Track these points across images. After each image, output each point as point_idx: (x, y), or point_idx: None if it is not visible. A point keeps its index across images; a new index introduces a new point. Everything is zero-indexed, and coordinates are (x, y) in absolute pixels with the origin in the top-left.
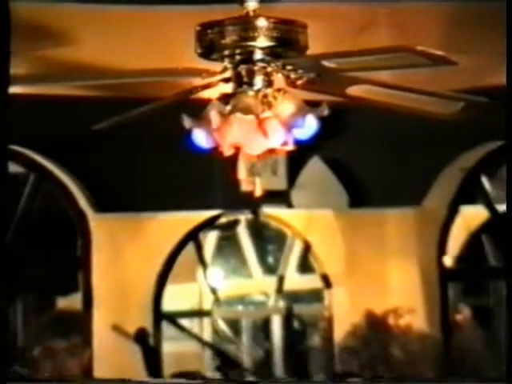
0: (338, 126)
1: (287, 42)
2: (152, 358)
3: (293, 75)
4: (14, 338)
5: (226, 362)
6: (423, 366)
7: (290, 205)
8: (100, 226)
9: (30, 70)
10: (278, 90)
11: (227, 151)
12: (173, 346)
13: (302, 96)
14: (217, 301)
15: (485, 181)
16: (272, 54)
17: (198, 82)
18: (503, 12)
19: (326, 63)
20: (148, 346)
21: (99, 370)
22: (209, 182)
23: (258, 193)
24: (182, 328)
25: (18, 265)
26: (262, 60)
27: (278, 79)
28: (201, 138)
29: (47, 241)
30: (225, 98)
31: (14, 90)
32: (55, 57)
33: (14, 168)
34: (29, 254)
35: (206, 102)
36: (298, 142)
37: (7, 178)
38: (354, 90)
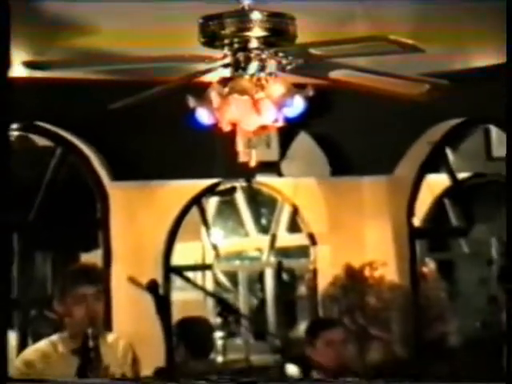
0: (322, 106)
1: (278, 32)
2: (162, 306)
3: (283, 61)
4: (45, 287)
5: (225, 309)
6: (394, 311)
7: (280, 174)
8: (116, 193)
9: (57, 57)
10: (270, 74)
11: (226, 127)
12: (180, 295)
13: (291, 79)
14: (217, 256)
15: (448, 152)
16: (265, 42)
17: (200, 67)
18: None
19: (312, 51)
20: (158, 295)
21: (117, 316)
22: (210, 154)
23: (253, 163)
24: (187, 280)
25: (46, 226)
26: (256, 48)
27: (270, 65)
28: (203, 115)
29: (71, 205)
30: (224, 81)
31: (44, 74)
32: (77, 45)
33: (42, 142)
34: (55, 217)
35: (207, 85)
36: (287, 119)
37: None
38: (336, 74)
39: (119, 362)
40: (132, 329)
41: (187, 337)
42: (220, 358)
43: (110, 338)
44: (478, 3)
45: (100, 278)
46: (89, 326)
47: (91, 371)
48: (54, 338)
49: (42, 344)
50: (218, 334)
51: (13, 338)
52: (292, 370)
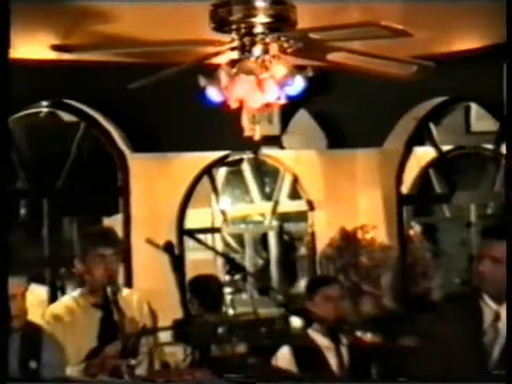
0: (320, 85)
1: (281, 19)
2: (177, 264)
3: (285, 45)
4: (71, 248)
5: (233, 267)
6: (383, 269)
7: (281, 147)
8: (136, 163)
9: (85, 42)
10: (274, 57)
11: (233, 104)
12: (192, 255)
13: (292, 61)
14: (225, 221)
15: (432, 127)
16: (269, 28)
17: (211, 50)
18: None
19: (311, 35)
20: (174, 254)
21: (136, 274)
22: (219, 128)
23: (257, 137)
24: (199, 241)
25: (73, 193)
26: (261, 33)
27: (274, 48)
28: (213, 94)
29: (95, 175)
30: (232, 63)
31: (72, 56)
32: (99, 30)
33: (68, 118)
34: (81, 185)
35: (216, 66)
36: (288, 97)
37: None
38: (332, 57)
39: (135, 313)
40: (150, 285)
41: (199, 292)
42: (229, 312)
43: (126, 293)
44: None
45: (117, 240)
46: (107, 283)
47: (111, 323)
48: (76, 293)
49: (66, 299)
50: (227, 290)
51: (44, 293)
52: (295, 321)
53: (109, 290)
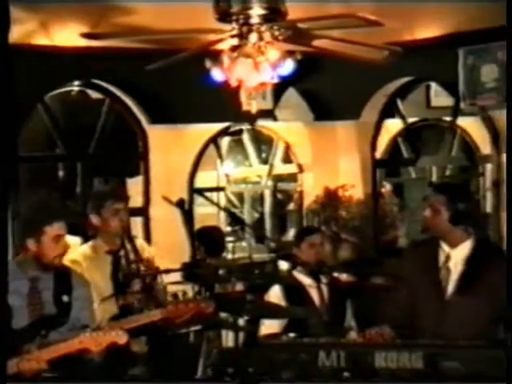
0: (307, 67)
1: (273, 11)
2: (187, 218)
3: (277, 33)
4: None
5: (234, 220)
6: (359, 221)
7: (274, 119)
8: (153, 133)
9: (109, 31)
10: (268, 43)
11: (234, 83)
12: (200, 210)
13: (284, 47)
14: (228, 181)
15: (399, 102)
16: (263, 18)
17: (214, 37)
18: None
19: (299, 25)
20: (185, 209)
21: (154, 226)
22: (222, 103)
23: (254, 111)
24: (206, 198)
25: (101, 157)
26: (257, 23)
27: (267, 35)
28: (217, 74)
29: (119, 143)
30: (232, 48)
31: (99, 43)
32: (123, 22)
33: (95, 95)
34: (108, 151)
35: (220, 51)
36: (280, 77)
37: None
38: (317, 43)
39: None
40: (165, 235)
41: (205, 241)
42: (229, 256)
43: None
44: None
45: (126, 196)
46: (122, 233)
47: (121, 267)
48: (92, 243)
49: (84, 247)
50: (229, 239)
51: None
52: (283, 265)
53: (125, 237)
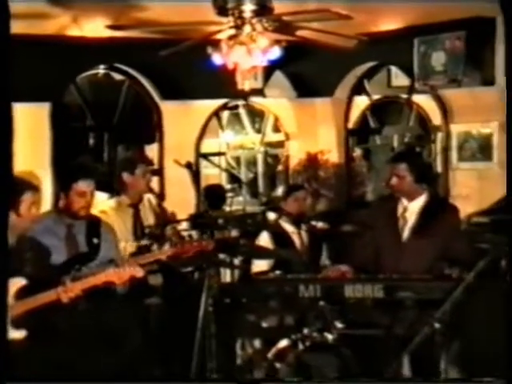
0: (290, 53)
1: (263, 7)
2: (194, 178)
3: (266, 25)
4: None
5: (233, 179)
6: (335, 179)
7: (264, 96)
8: (166, 108)
9: (128, 23)
10: (259, 33)
11: (230, 66)
12: (205, 171)
13: (272, 36)
14: (228, 147)
15: (366, 82)
16: (255, 13)
17: (214, 28)
18: None
19: (284, 18)
20: (192, 170)
21: (167, 184)
22: (221, 82)
23: (247, 89)
24: (210, 161)
25: (124, 127)
26: (249, 17)
27: (258, 27)
28: (217, 59)
29: (137, 116)
30: (229, 37)
31: (120, 33)
32: (140, 16)
33: (117, 76)
34: (129, 123)
35: (219, 40)
36: (268, 61)
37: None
38: (299, 33)
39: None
40: (176, 192)
41: (209, 196)
42: (227, 209)
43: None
44: None
45: (151, 162)
46: (146, 191)
47: (139, 217)
48: (116, 198)
49: (111, 201)
50: (228, 194)
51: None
52: (271, 215)
53: (150, 195)
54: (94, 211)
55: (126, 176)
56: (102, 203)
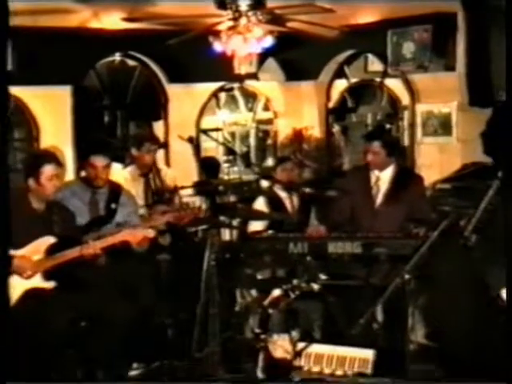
0: (281, 41)
1: (257, 1)
2: (195, 150)
3: (260, 17)
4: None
5: (229, 152)
6: (317, 152)
7: (257, 79)
8: (171, 90)
9: (141, 16)
10: (254, 24)
11: (229, 53)
12: (204, 145)
13: (265, 27)
14: (224, 124)
15: (345, 68)
16: (250, 7)
17: (215, 20)
18: None
19: (276, 11)
20: (194, 144)
21: (172, 157)
22: (220, 68)
23: (243, 73)
24: (209, 136)
25: (136, 106)
26: (246, 10)
27: (253, 19)
28: (217, 46)
29: (146, 97)
30: (228, 28)
31: (134, 25)
32: (149, 10)
33: (131, 62)
34: (139, 102)
35: (219, 30)
36: (262, 49)
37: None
38: (289, 24)
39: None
40: (180, 163)
41: (207, 166)
42: (226, 177)
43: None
44: None
45: (157, 138)
46: (151, 164)
47: (150, 186)
48: (129, 168)
49: (124, 171)
50: (225, 165)
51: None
52: (264, 183)
53: (155, 167)
54: (120, 179)
55: (133, 151)
56: (117, 173)
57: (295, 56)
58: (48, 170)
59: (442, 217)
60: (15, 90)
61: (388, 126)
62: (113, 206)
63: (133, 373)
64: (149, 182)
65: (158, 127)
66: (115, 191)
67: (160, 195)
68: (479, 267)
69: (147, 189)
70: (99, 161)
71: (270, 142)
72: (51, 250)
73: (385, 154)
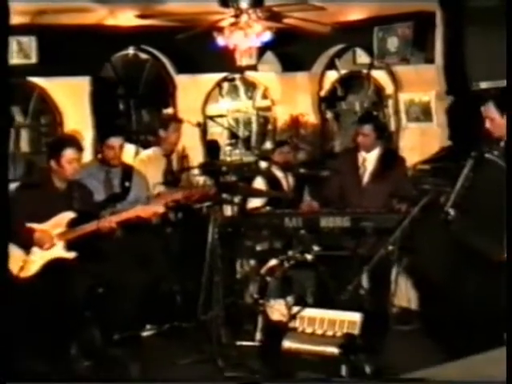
0: (279, 36)
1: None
2: (202, 134)
3: (260, 14)
4: (149, 126)
5: (232, 136)
6: (311, 136)
7: (257, 70)
8: (179, 80)
9: (152, 13)
10: (254, 20)
11: (231, 47)
12: (210, 129)
13: (264, 23)
14: (228, 111)
15: (336, 60)
16: (250, 5)
17: (219, 17)
18: None
19: (273, 9)
20: (201, 128)
21: (184, 138)
22: (223, 60)
23: (244, 65)
24: (215, 121)
25: (148, 95)
26: (246, 8)
27: (253, 16)
28: (220, 41)
29: (157, 86)
30: (231, 24)
31: (146, 22)
32: (160, 8)
33: (143, 56)
34: (151, 91)
35: (222, 26)
36: (261, 43)
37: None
38: (286, 21)
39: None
40: (189, 144)
41: (211, 147)
42: (228, 159)
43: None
44: None
45: (181, 119)
46: (176, 145)
47: (171, 165)
48: (153, 148)
49: (149, 150)
50: (227, 148)
51: (132, 148)
52: (262, 164)
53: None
54: (135, 160)
55: (161, 132)
56: (143, 154)
57: (291, 49)
58: (68, 153)
59: (422, 194)
60: (40, 81)
61: (375, 113)
62: (126, 184)
63: (145, 333)
64: (171, 162)
65: (168, 113)
66: (127, 171)
67: (178, 174)
68: (457, 236)
69: (168, 168)
70: (116, 142)
71: (269, 127)
72: (72, 224)
73: (374, 136)
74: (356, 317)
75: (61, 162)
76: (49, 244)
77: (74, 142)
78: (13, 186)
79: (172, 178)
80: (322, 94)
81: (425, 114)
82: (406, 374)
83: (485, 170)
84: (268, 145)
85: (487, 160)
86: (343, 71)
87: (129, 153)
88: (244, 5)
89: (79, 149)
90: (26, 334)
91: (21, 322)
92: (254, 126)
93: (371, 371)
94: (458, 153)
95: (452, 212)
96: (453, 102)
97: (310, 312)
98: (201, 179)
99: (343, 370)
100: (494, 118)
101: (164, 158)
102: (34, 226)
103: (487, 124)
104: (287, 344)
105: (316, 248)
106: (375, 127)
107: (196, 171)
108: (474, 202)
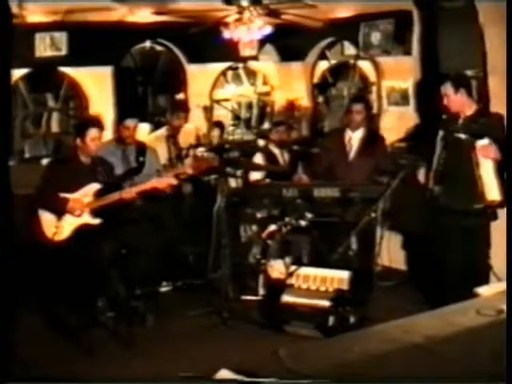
0: (277, 30)
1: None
2: (209, 116)
3: (260, 11)
4: (156, 107)
5: (235, 117)
6: (304, 118)
7: (258, 60)
8: (190, 69)
9: (167, 10)
10: (255, 16)
11: (236, 39)
12: (217, 112)
13: (265, 18)
14: (232, 95)
15: (327, 52)
16: (251, 2)
17: (224, 13)
18: None
19: (272, 6)
20: (207, 111)
21: (192, 118)
22: (228, 51)
23: (246, 54)
24: (221, 105)
25: (162, 83)
26: (248, 5)
27: (254, 12)
28: (226, 34)
29: (170, 74)
30: (235, 20)
31: (161, 18)
32: (174, 7)
33: (159, 48)
34: (165, 79)
35: (227, 22)
36: (262, 36)
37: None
38: (284, 16)
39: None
40: (196, 122)
41: (218, 128)
42: (231, 137)
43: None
44: None
45: (187, 108)
46: (180, 127)
47: (177, 143)
48: (162, 129)
49: (158, 132)
50: (230, 128)
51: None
52: (261, 142)
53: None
54: (146, 139)
55: (168, 115)
56: (152, 134)
57: (288, 42)
58: (92, 132)
59: (399, 168)
60: (70, 70)
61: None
62: (141, 159)
63: (162, 289)
64: (176, 140)
65: (180, 97)
66: (141, 148)
67: (187, 151)
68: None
69: (174, 146)
70: (131, 123)
71: (268, 110)
72: (97, 194)
73: (364, 115)
74: (345, 274)
75: (85, 140)
76: (80, 211)
77: (97, 123)
78: (44, 161)
79: (179, 155)
80: (315, 80)
81: (403, 99)
82: (388, 322)
83: (452, 146)
84: (266, 125)
85: (453, 137)
86: (333, 61)
87: (143, 132)
88: (244, 3)
89: (101, 128)
90: (60, 290)
91: (55, 279)
92: (255, 109)
93: (355, 321)
94: (428, 131)
95: (436, 189)
96: (422, 86)
97: (305, 270)
98: (206, 155)
99: (331, 321)
100: (449, 95)
101: (170, 137)
102: (67, 195)
103: (445, 101)
104: (285, 298)
105: (310, 215)
106: (366, 106)
107: (202, 148)
108: (448, 175)
